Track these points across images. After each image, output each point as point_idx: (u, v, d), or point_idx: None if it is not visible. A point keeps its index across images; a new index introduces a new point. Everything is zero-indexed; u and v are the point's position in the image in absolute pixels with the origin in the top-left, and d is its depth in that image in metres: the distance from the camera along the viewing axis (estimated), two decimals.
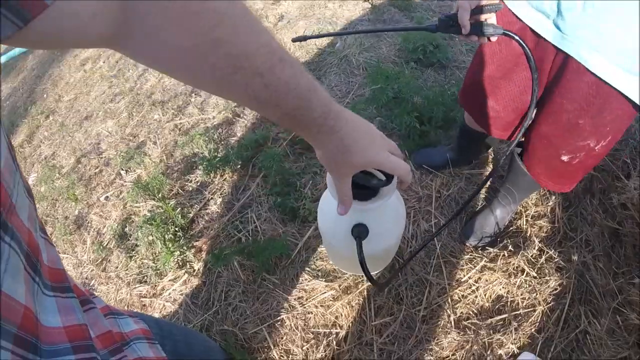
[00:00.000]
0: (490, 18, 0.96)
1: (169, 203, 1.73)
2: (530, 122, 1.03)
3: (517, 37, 0.93)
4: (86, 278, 1.79)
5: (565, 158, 1.01)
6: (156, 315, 1.54)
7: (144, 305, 1.59)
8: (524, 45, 0.93)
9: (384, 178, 0.65)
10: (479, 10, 0.94)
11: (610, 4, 0.75)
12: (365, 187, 0.65)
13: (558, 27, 0.87)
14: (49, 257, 0.40)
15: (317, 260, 1.48)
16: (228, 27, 0.38)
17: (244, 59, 0.40)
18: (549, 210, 1.50)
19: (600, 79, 0.84)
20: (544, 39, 0.91)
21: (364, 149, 0.54)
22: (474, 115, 1.25)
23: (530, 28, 0.94)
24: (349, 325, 1.32)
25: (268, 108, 0.46)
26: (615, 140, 0.97)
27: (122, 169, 2.11)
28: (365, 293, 1.37)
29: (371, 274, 1.30)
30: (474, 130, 1.36)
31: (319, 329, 1.34)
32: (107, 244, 1.86)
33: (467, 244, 1.44)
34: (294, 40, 1.02)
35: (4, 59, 4.06)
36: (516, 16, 0.96)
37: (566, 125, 0.96)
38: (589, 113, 0.92)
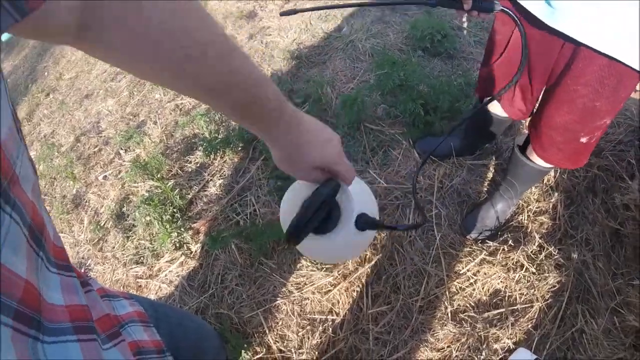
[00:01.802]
0: None
1: (167, 183, 1.72)
2: (519, 77, 1.02)
3: (511, 13, 0.91)
4: (82, 258, 1.79)
5: (584, 140, 1.03)
6: (152, 296, 1.53)
7: (140, 286, 1.59)
8: (517, 20, 0.90)
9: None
10: None
11: None
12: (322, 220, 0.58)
13: (549, 3, 0.88)
14: (54, 234, 0.40)
15: None
16: (181, 18, 0.39)
17: (196, 48, 0.41)
18: (550, 206, 1.49)
19: (592, 49, 0.86)
20: (532, 20, 0.93)
21: (321, 146, 0.55)
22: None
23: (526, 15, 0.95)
24: (345, 313, 1.32)
25: (222, 98, 0.46)
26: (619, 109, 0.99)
27: (122, 149, 2.09)
28: (364, 280, 1.36)
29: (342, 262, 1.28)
30: (489, 112, 1.37)
31: (315, 315, 1.33)
32: (104, 224, 1.85)
33: (468, 237, 1.43)
34: (282, 14, 1.00)
35: (4, 37, 4.01)
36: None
37: (583, 110, 0.97)
38: (604, 94, 0.93)
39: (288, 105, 0.51)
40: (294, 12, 0.99)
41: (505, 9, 0.94)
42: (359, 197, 0.62)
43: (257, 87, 0.47)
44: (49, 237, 0.38)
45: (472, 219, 1.44)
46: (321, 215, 0.58)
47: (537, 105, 1.16)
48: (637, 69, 0.84)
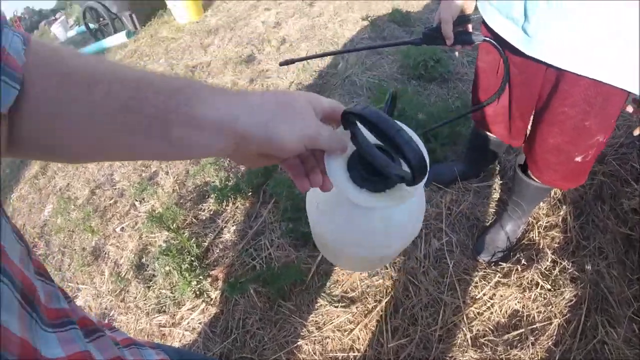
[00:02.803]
0: (469, 28, 1.03)
1: (183, 233, 1.76)
2: (501, 94, 1.06)
3: (494, 43, 0.98)
4: (105, 309, 1.82)
5: (579, 159, 1.04)
6: (176, 344, 1.56)
7: (164, 334, 1.62)
8: (499, 48, 0.98)
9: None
10: (460, 20, 1.00)
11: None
12: (379, 173, 0.47)
13: (525, 32, 0.91)
14: (46, 299, 0.42)
15: (331, 284, 1.49)
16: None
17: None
18: (560, 220, 1.50)
19: (574, 73, 0.88)
20: (514, 47, 0.96)
21: (304, 95, 0.45)
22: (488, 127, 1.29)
23: (502, 42, 0.98)
24: (366, 349, 1.33)
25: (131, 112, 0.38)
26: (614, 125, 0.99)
27: (136, 200, 2.15)
28: (381, 315, 1.38)
29: (363, 271, 1.27)
30: (483, 135, 1.41)
31: (336, 353, 1.35)
32: (125, 275, 1.89)
33: (480, 260, 1.45)
34: (281, 64, 1.04)
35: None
36: (489, 28, 1.02)
37: (574, 131, 0.99)
38: (592, 113, 0.94)
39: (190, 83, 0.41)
40: (292, 61, 1.05)
41: (487, 39, 1.00)
42: None
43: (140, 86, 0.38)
44: (40, 301, 0.40)
45: (482, 242, 1.45)
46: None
47: (529, 129, 1.19)
48: (620, 86, 0.86)
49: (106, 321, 1.77)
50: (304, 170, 0.50)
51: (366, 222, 0.56)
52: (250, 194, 1.84)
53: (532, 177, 1.23)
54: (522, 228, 1.47)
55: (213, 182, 1.96)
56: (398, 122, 0.43)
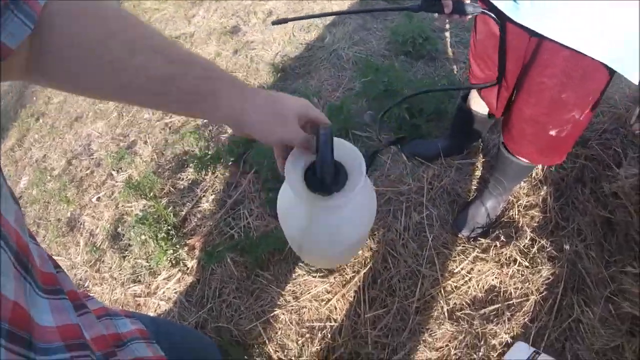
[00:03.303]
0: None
1: (160, 202, 1.73)
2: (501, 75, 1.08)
3: (492, 15, 0.99)
4: (80, 279, 1.78)
5: (553, 133, 1.04)
6: (151, 314, 1.54)
7: (139, 304, 1.59)
8: (495, 19, 0.99)
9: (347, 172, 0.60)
10: None
11: None
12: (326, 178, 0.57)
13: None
14: (40, 262, 0.41)
15: None
16: (119, 20, 0.44)
17: (140, 40, 0.45)
18: (540, 200, 1.50)
19: (555, 42, 0.88)
20: (503, 14, 0.96)
21: (290, 97, 0.58)
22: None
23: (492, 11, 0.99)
24: (343, 319, 1.33)
25: (173, 85, 0.48)
26: (596, 106, 0.99)
27: (114, 170, 2.10)
28: (359, 285, 1.37)
29: (336, 266, 1.28)
30: (469, 111, 1.41)
31: (313, 323, 1.34)
32: (100, 245, 1.85)
33: (460, 235, 1.45)
34: (273, 23, 1.04)
35: None
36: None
37: (550, 102, 0.99)
38: (570, 86, 0.94)
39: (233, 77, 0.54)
40: (285, 21, 1.03)
41: (486, 11, 1.00)
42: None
43: (205, 69, 0.50)
44: (35, 263, 0.39)
45: (463, 218, 1.45)
46: (331, 169, 0.57)
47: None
48: (598, 59, 0.86)
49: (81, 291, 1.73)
50: (285, 154, 0.62)
51: (316, 221, 0.63)
52: (230, 163, 1.80)
53: (509, 150, 1.23)
54: (502, 205, 1.47)
55: (193, 151, 1.91)
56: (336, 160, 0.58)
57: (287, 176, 0.59)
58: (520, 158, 1.22)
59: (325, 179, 0.57)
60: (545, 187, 1.52)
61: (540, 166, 1.56)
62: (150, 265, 1.63)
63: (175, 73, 0.47)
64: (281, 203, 0.70)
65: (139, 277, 1.64)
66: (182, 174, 1.89)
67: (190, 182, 1.84)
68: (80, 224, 1.99)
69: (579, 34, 0.85)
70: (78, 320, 0.44)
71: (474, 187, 1.58)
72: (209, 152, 1.87)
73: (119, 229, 1.84)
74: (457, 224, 1.45)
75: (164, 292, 1.56)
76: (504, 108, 1.21)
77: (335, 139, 0.58)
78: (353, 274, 1.39)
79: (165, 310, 1.52)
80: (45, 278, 0.41)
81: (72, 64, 0.43)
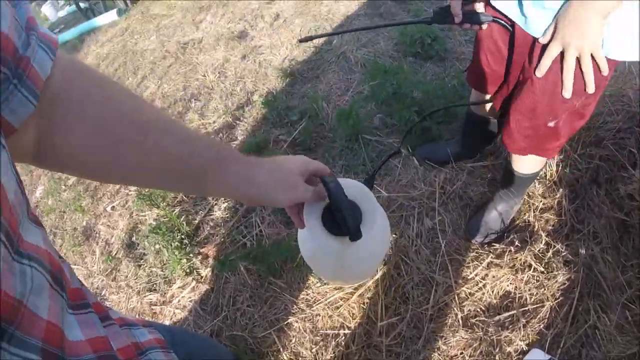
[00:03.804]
0: (479, 7, 1.05)
1: (173, 211, 1.74)
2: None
3: (503, 22, 1.01)
4: (97, 288, 1.81)
5: (551, 124, 1.03)
6: (167, 322, 1.56)
7: (155, 313, 1.61)
8: (507, 27, 1.02)
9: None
10: (469, 0, 1.03)
11: None
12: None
13: (522, 11, 0.95)
14: (70, 279, 0.42)
15: None
16: (128, 101, 0.46)
17: (151, 121, 0.46)
18: (555, 202, 1.48)
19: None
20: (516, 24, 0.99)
21: (290, 160, 0.60)
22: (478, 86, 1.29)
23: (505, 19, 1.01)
24: (356, 327, 1.32)
25: (182, 163, 0.50)
26: (597, 95, 0.98)
27: None
28: (372, 293, 1.37)
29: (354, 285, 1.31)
30: (479, 115, 1.40)
31: (327, 330, 1.34)
32: (115, 254, 1.88)
33: (473, 241, 1.43)
34: (300, 41, 1.07)
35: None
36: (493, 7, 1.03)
37: (549, 91, 0.98)
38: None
39: (217, 145, 0.55)
40: (310, 38, 1.07)
41: (495, 19, 1.00)
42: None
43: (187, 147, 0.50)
44: (68, 281, 0.40)
45: (475, 223, 1.44)
46: (350, 212, 0.61)
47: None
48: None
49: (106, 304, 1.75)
50: (296, 209, 0.66)
51: (347, 258, 0.68)
52: None
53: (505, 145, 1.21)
54: (516, 209, 1.45)
55: None
56: (352, 200, 0.64)
57: (309, 230, 0.64)
58: (521, 172, 1.25)
59: (347, 222, 0.60)
60: (560, 190, 1.49)
61: (554, 167, 1.53)
62: (165, 274, 1.65)
63: (185, 152, 0.49)
64: (305, 250, 0.74)
65: (155, 285, 1.66)
66: None
67: None
68: (96, 232, 2.02)
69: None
70: (105, 332, 0.45)
71: (486, 190, 1.56)
72: None
73: (134, 238, 1.86)
74: (470, 230, 1.44)
75: (179, 301, 1.58)
76: (500, 105, 1.21)
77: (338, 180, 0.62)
78: (366, 281, 1.39)
79: (181, 318, 1.54)
80: (74, 295, 0.42)
81: (81, 149, 0.43)
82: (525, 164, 1.25)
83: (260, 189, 0.56)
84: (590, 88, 0.91)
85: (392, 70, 1.84)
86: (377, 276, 1.39)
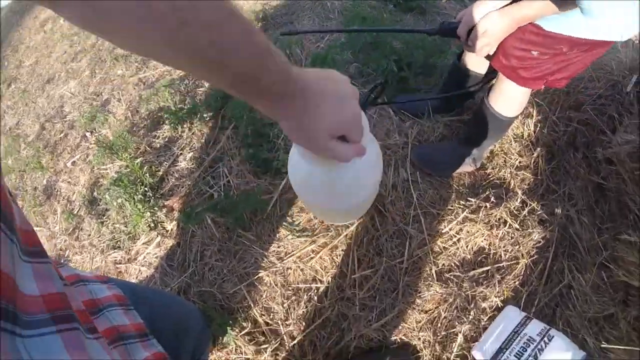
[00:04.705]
0: None
1: (136, 162, 1.64)
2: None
3: None
4: (60, 249, 1.72)
5: (535, 53, 1.05)
6: (133, 280, 1.49)
7: (120, 271, 1.54)
8: None
9: None
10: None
11: None
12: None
13: None
14: (20, 219, 0.37)
15: (294, 214, 1.42)
16: None
17: (190, 11, 0.35)
18: (532, 161, 1.46)
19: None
20: None
21: (333, 108, 0.49)
22: None
23: None
24: (329, 280, 1.29)
25: (218, 71, 0.41)
26: (591, 51, 1.02)
27: (87, 131, 2.00)
28: (345, 246, 1.33)
29: (346, 222, 1.27)
30: (465, 68, 1.38)
31: (299, 284, 1.30)
32: (77, 211, 1.78)
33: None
34: (282, 34, 1.09)
35: None
36: None
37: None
38: None
39: (292, 71, 0.45)
40: (295, 32, 1.01)
41: None
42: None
43: (259, 60, 0.41)
44: (15, 220, 0.35)
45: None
46: None
47: None
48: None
49: (61, 262, 1.67)
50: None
51: (329, 181, 0.70)
52: (208, 118, 1.71)
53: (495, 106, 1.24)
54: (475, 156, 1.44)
55: (168, 106, 1.81)
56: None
57: (300, 152, 0.61)
58: (497, 111, 1.24)
59: None
60: (537, 149, 1.47)
61: (532, 127, 1.51)
62: (128, 230, 1.57)
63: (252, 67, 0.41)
64: (296, 176, 0.75)
65: (119, 243, 1.58)
66: (158, 131, 1.79)
67: (166, 140, 1.75)
68: (57, 190, 1.91)
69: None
70: (62, 288, 0.39)
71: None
72: (185, 107, 1.77)
73: (95, 193, 1.76)
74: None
75: (144, 258, 1.50)
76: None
77: None
78: (339, 233, 1.34)
79: (147, 276, 1.47)
80: (27, 237, 0.36)
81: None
82: (502, 103, 1.24)
83: (283, 123, 0.51)
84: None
85: (370, 19, 1.75)
86: (351, 229, 1.34)
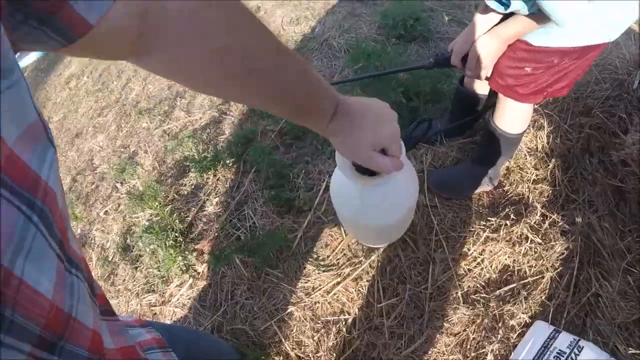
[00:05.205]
0: None
1: (165, 210, 1.72)
2: None
3: None
4: None
5: (529, 69, 1.09)
6: (167, 322, 1.54)
7: (155, 313, 1.59)
8: None
9: None
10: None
11: None
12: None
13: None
14: (95, 284, 0.41)
15: (318, 249, 1.46)
16: (239, 31, 0.41)
17: (254, 60, 0.43)
18: (548, 173, 1.47)
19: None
20: None
21: (373, 127, 0.58)
22: None
23: None
24: (356, 311, 1.31)
25: (281, 104, 0.50)
26: (582, 57, 1.04)
27: (117, 182, 2.10)
28: (369, 276, 1.36)
29: (381, 245, 1.35)
30: (468, 90, 1.42)
31: (327, 317, 1.33)
32: (112, 258, 1.86)
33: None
34: (331, 84, 1.13)
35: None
36: None
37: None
38: None
39: (339, 97, 0.55)
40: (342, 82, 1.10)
41: None
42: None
43: (314, 91, 0.51)
44: (93, 286, 0.39)
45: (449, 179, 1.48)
46: None
47: None
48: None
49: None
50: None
51: (367, 198, 0.81)
52: (230, 164, 1.79)
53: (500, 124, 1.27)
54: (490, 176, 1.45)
55: (192, 155, 1.91)
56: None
57: (340, 167, 0.73)
58: (504, 130, 1.26)
59: None
60: (552, 160, 1.48)
61: (545, 138, 1.52)
62: (162, 274, 1.63)
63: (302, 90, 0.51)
64: (334, 188, 0.87)
65: (153, 286, 1.65)
66: (185, 179, 1.88)
67: (193, 187, 1.83)
68: (91, 239, 2.00)
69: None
70: (133, 341, 0.44)
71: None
72: (208, 155, 1.86)
73: (129, 241, 1.84)
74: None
75: (177, 299, 1.56)
76: None
77: None
78: (363, 264, 1.38)
79: (181, 317, 1.52)
80: (101, 300, 0.41)
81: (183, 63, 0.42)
82: (507, 121, 1.27)
83: (332, 139, 0.61)
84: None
85: (375, 53, 1.82)
86: (373, 257, 1.37)
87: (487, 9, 1.08)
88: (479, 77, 1.16)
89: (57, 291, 0.27)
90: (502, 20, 1.08)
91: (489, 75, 1.18)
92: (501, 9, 1.00)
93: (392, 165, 0.62)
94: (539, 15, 0.94)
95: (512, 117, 1.24)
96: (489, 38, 1.07)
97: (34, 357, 0.26)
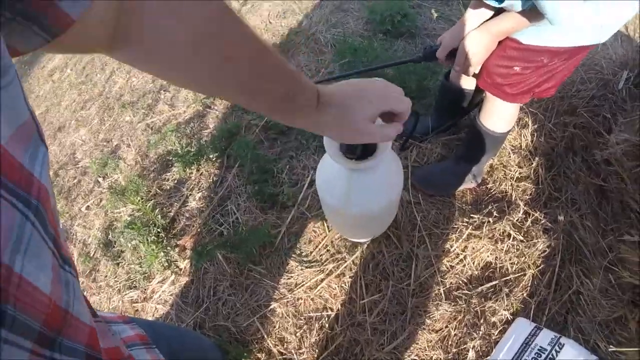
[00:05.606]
0: None
1: (147, 205, 1.70)
2: None
3: None
4: None
5: (517, 69, 1.09)
6: (149, 318, 1.52)
7: (137, 310, 1.57)
8: None
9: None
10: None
11: None
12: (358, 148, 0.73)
13: None
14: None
15: (301, 246, 1.45)
16: (215, 20, 0.42)
17: (233, 48, 0.43)
18: (532, 171, 1.48)
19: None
20: None
21: (363, 100, 0.57)
22: None
23: None
24: (339, 307, 1.31)
25: (261, 95, 0.49)
26: (571, 58, 1.05)
27: (99, 176, 2.07)
28: (352, 273, 1.35)
29: (364, 240, 1.34)
30: (455, 86, 1.42)
31: (310, 313, 1.32)
32: (93, 254, 1.83)
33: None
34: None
35: None
36: None
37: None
38: None
39: (318, 87, 0.54)
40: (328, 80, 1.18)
41: None
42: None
43: (293, 80, 0.50)
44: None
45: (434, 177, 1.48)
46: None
47: None
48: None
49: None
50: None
51: (354, 183, 0.82)
52: (214, 159, 1.77)
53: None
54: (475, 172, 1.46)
55: (175, 149, 1.88)
56: None
57: (327, 150, 0.74)
58: (489, 129, 1.26)
59: (357, 148, 0.74)
60: (536, 158, 1.49)
61: (529, 137, 1.53)
62: (143, 270, 1.61)
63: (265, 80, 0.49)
64: (320, 173, 0.88)
65: (134, 282, 1.62)
66: (167, 174, 1.85)
67: (175, 181, 1.81)
68: (73, 234, 1.97)
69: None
70: (118, 343, 0.45)
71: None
72: (192, 150, 1.84)
73: (110, 236, 1.81)
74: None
75: (159, 296, 1.54)
76: None
77: None
78: (346, 261, 1.37)
79: (163, 313, 1.50)
80: (86, 300, 0.41)
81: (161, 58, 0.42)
82: (493, 120, 1.27)
83: (327, 133, 0.60)
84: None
85: (362, 49, 1.81)
86: (356, 254, 1.37)
87: (478, 4, 1.08)
88: (467, 73, 1.15)
89: (55, 287, 0.28)
90: (493, 16, 1.07)
91: (477, 72, 1.18)
92: (495, 3, 1.00)
93: (394, 131, 0.62)
94: (531, 13, 0.94)
95: (499, 116, 1.24)
96: (479, 33, 1.06)
97: (36, 354, 0.27)
